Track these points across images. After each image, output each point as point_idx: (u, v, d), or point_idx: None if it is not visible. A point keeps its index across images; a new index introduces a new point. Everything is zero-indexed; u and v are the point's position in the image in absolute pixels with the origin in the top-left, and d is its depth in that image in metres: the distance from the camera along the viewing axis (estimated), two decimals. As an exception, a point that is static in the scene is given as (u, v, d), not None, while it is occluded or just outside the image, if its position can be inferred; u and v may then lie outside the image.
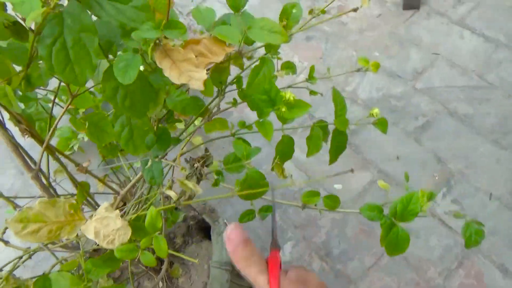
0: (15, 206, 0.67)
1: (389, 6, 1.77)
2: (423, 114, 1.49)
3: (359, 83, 1.61)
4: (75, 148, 1.45)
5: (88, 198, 0.81)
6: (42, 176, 0.73)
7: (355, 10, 0.70)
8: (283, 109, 0.56)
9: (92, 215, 0.54)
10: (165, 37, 0.47)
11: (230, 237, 0.46)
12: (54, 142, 1.45)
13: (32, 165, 0.70)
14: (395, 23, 1.72)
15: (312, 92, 0.84)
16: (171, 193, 0.50)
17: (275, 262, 0.45)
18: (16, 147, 0.67)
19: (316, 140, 0.67)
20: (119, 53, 0.52)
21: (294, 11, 0.64)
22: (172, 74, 0.46)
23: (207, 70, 0.59)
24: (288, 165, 1.43)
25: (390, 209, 0.55)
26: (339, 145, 0.70)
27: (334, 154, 0.70)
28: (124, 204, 0.85)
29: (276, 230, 0.55)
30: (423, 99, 1.52)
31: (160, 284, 1.06)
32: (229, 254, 0.45)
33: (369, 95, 1.57)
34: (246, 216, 0.66)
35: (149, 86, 0.53)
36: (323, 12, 0.74)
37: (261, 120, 0.58)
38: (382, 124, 0.66)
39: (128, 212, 0.65)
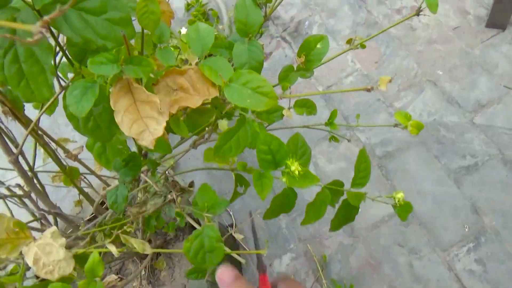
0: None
1: (470, 20, 1.54)
2: (473, 154, 1.31)
3: (411, 101, 1.44)
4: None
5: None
6: (25, 163, 0.69)
7: (417, 13, 0.56)
8: (284, 179, 0.46)
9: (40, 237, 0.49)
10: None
11: (222, 277, 0.46)
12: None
13: (14, 150, 0.66)
14: (471, 41, 1.50)
15: (334, 138, 0.72)
16: (112, 249, 0.43)
17: None
18: (-2, 128, 0.63)
19: (320, 206, 0.57)
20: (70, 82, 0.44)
21: (319, 46, 0.52)
22: (124, 121, 0.38)
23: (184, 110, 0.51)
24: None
25: None
26: (347, 216, 0.59)
27: (337, 224, 0.60)
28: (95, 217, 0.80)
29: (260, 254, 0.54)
30: (478, 136, 1.34)
31: (143, 272, 1.04)
32: None
33: (419, 117, 1.40)
34: (194, 273, 0.58)
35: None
36: (363, 46, 0.61)
37: (262, 171, 0.49)
38: (403, 211, 0.55)
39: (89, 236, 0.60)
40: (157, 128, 0.40)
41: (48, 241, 0.48)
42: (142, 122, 0.41)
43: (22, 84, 0.40)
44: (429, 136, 1.36)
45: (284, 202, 0.58)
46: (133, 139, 0.44)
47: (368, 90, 0.41)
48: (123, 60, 0.37)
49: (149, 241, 0.94)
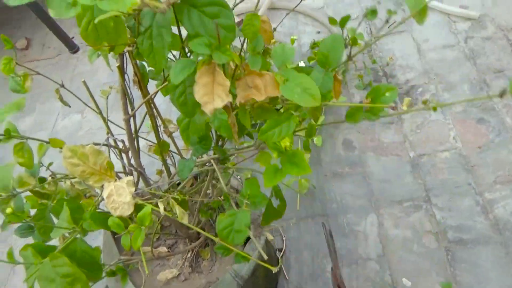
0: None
1: None
2: (558, 276, 1.17)
3: (504, 197, 1.34)
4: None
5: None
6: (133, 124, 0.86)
7: None
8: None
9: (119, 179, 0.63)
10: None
11: None
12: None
13: (130, 111, 0.83)
14: None
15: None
16: (161, 208, 0.54)
17: None
18: (124, 91, 0.80)
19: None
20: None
21: (388, 94, 0.57)
22: (200, 91, 0.49)
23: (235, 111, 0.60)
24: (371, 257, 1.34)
25: None
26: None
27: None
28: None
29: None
30: None
31: (189, 254, 1.15)
32: None
33: (509, 215, 1.30)
34: (221, 249, 0.65)
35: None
36: (435, 109, 0.64)
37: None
38: None
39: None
40: (219, 103, 0.50)
41: (123, 185, 0.61)
42: (211, 96, 0.51)
43: (151, 55, 0.54)
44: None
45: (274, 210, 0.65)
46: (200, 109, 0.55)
47: (393, 108, 0.46)
48: (214, 46, 0.49)
49: (201, 228, 1.05)
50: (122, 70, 0.76)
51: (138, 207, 0.61)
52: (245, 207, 0.58)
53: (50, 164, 0.69)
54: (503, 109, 1.54)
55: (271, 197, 0.75)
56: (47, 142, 0.67)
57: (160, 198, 0.64)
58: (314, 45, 1.93)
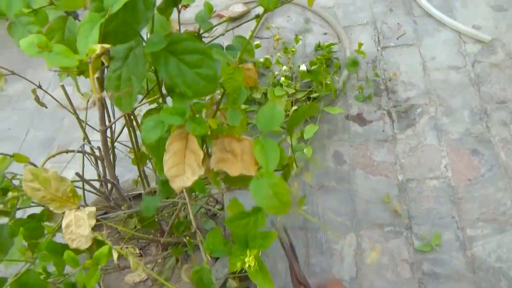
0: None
1: None
2: (525, 324, 1.18)
3: (485, 236, 1.33)
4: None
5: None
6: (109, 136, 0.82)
7: None
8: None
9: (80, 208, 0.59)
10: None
11: None
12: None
13: (107, 123, 0.78)
14: None
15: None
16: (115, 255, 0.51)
17: None
18: (102, 102, 0.75)
19: None
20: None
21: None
22: (169, 162, 0.46)
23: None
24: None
25: None
26: None
27: None
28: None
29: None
30: (541, 309, 1.19)
31: (159, 260, 1.13)
32: None
33: (486, 257, 1.29)
34: None
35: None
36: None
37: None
38: None
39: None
40: (190, 178, 0.47)
41: (83, 216, 0.58)
42: (182, 167, 0.48)
43: (117, 98, 0.49)
44: (486, 281, 1.25)
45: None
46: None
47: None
48: (188, 117, 0.44)
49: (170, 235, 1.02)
50: (100, 81, 0.71)
51: (97, 241, 0.58)
52: (206, 262, 0.55)
53: (14, 176, 0.65)
54: (499, 143, 1.51)
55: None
56: (11, 156, 0.63)
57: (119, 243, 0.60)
58: (318, 47, 1.87)
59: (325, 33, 1.98)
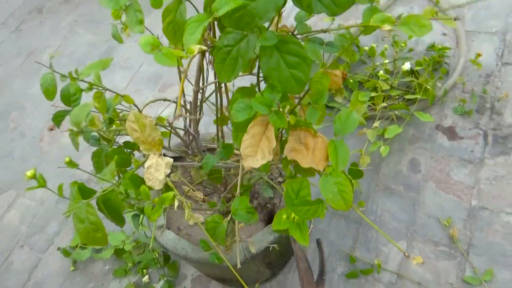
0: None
1: None
2: None
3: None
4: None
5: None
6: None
7: None
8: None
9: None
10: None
11: None
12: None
13: (201, 85, 0.89)
14: None
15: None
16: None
17: None
18: (201, 67, 0.86)
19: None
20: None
21: None
22: (246, 142, 0.54)
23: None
24: None
25: None
26: None
27: None
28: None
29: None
30: None
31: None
32: None
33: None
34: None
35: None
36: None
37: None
38: None
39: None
40: (259, 161, 0.55)
41: (162, 164, 0.70)
42: (255, 150, 0.56)
43: (221, 68, 0.57)
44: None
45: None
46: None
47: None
48: (273, 109, 0.52)
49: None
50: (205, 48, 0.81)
51: (167, 186, 0.71)
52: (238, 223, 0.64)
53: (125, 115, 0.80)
54: None
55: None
56: (122, 96, 0.77)
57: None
58: (431, 47, 1.78)
59: (444, 34, 1.86)
